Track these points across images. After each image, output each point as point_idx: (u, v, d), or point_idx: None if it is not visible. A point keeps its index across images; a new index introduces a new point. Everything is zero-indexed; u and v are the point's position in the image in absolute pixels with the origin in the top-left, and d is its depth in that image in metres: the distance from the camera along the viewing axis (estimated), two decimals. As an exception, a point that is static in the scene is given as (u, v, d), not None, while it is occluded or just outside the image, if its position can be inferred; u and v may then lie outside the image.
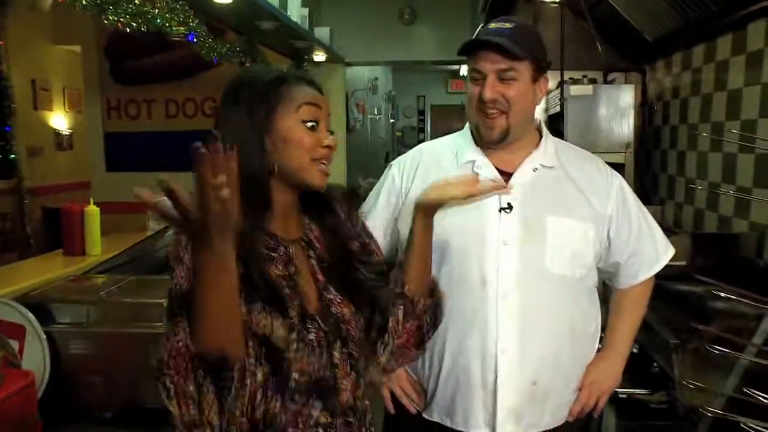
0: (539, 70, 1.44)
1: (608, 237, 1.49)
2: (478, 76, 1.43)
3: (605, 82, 3.55)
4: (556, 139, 1.58)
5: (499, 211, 1.43)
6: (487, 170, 1.48)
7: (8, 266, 3.35)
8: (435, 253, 1.41)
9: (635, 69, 3.79)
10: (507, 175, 1.47)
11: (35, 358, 1.69)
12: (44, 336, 1.70)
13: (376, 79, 7.68)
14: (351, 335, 1.13)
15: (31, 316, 1.70)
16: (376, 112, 7.69)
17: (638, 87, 3.65)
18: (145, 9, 2.86)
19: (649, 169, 3.74)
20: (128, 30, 2.83)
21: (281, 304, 1.04)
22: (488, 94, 1.40)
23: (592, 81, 3.50)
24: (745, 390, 1.20)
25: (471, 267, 1.43)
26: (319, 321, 1.09)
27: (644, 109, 3.73)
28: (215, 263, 0.87)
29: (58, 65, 7.12)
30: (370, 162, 7.36)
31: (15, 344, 1.69)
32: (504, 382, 1.41)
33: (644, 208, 1.56)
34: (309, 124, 1.10)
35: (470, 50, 1.43)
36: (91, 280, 2.13)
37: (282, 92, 1.10)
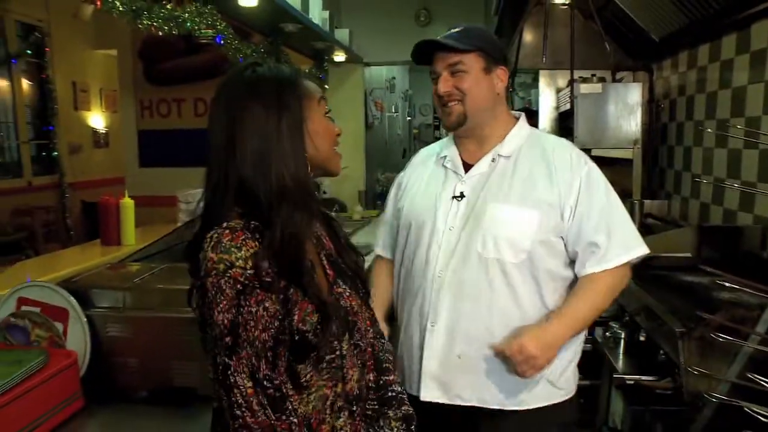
0: (492, 62, 1.50)
1: (567, 226, 1.46)
2: (435, 76, 1.53)
3: (614, 80, 3.50)
4: (534, 131, 1.59)
5: (452, 198, 1.52)
6: (453, 162, 1.57)
7: (51, 254, 3.41)
8: (402, 232, 1.61)
9: (643, 68, 3.74)
10: (470, 167, 1.55)
11: (77, 340, 1.71)
12: (85, 319, 1.72)
13: (394, 78, 7.65)
14: (358, 327, 1.13)
15: (73, 300, 1.72)
16: (393, 110, 7.66)
17: (645, 85, 3.60)
18: (176, 13, 2.87)
19: (656, 165, 3.69)
20: (160, 33, 2.85)
21: (318, 294, 1.04)
22: (442, 88, 1.50)
23: (601, 79, 3.45)
24: (748, 375, 1.19)
25: (421, 247, 1.53)
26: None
27: (651, 106, 3.68)
28: None
29: (96, 68, 7.21)
30: (387, 158, 7.34)
31: (59, 326, 1.72)
32: (429, 352, 1.49)
33: (616, 204, 1.49)
34: (328, 115, 1.11)
35: (421, 55, 1.53)
36: (127, 268, 2.16)
37: (305, 87, 1.08)
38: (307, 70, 4.89)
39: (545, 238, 1.45)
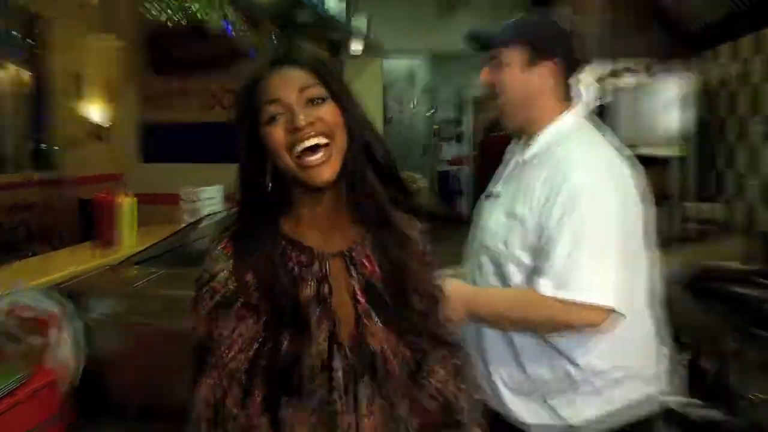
0: (537, 55, 1.46)
1: (537, 244, 1.37)
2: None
3: (651, 74, 3.46)
4: (572, 131, 1.46)
5: (485, 196, 1.57)
6: (510, 156, 1.58)
7: (44, 256, 3.39)
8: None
9: (682, 61, 3.68)
10: None
11: (69, 348, 1.70)
12: (78, 326, 1.70)
13: (414, 71, 7.63)
14: (386, 370, 0.97)
15: (64, 306, 1.71)
16: (413, 105, 7.63)
17: (685, 79, 3.55)
18: (186, 4, 2.86)
19: (700, 163, 3.62)
20: (168, 23, 2.83)
21: (306, 330, 0.93)
22: (481, 78, 1.52)
23: (638, 73, 3.41)
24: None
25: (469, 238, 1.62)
26: (347, 350, 0.95)
27: (689, 101, 3.61)
28: None
29: (98, 58, 7.26)
30: (408, 154, 7.30)
31: (52, 332, 1.71)
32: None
33: (576, 236, 1.32)
34: (271, 123, 0.96)
35: (474, 47, 1.53)
36: (124, 273, 2.14)
37: (254, 104, 0.98)
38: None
39: (512, 254, 1.41)
